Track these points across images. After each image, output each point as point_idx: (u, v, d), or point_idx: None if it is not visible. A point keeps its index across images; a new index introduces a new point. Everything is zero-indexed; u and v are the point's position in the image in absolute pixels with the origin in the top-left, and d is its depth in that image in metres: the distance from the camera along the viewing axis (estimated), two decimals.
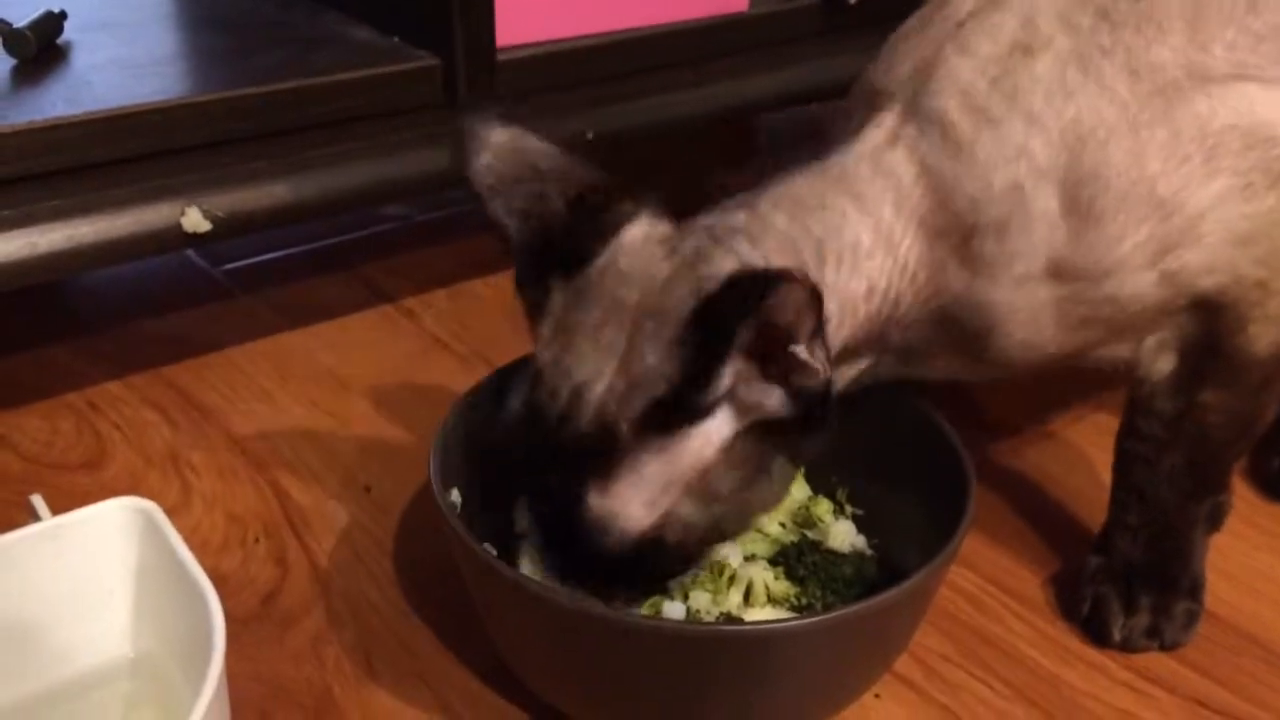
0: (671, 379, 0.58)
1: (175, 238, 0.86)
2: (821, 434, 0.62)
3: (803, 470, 0.80)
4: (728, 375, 0.58)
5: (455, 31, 0.97)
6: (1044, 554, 0.84)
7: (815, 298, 0.55)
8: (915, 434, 0.74)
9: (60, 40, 0.98)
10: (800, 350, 0.57)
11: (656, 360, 0.59)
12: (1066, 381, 1.01)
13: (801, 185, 0.65)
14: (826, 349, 0.59)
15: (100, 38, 1.00)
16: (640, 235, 0.64)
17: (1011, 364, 0.70)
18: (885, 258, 0.65)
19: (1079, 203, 0.63)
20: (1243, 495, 0.88)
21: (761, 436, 0.61)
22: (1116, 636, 0.75)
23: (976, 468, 0.69)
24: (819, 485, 0.80)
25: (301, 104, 0.92)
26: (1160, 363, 0.70)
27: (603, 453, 0.60)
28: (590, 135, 1.03)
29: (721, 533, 0.65)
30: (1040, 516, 0.88)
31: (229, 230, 0.87)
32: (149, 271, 1.17)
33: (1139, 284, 0.65)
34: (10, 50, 0.92)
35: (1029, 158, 0.63)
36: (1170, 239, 0.64)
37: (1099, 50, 0.64)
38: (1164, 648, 0.76)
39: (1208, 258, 0.65)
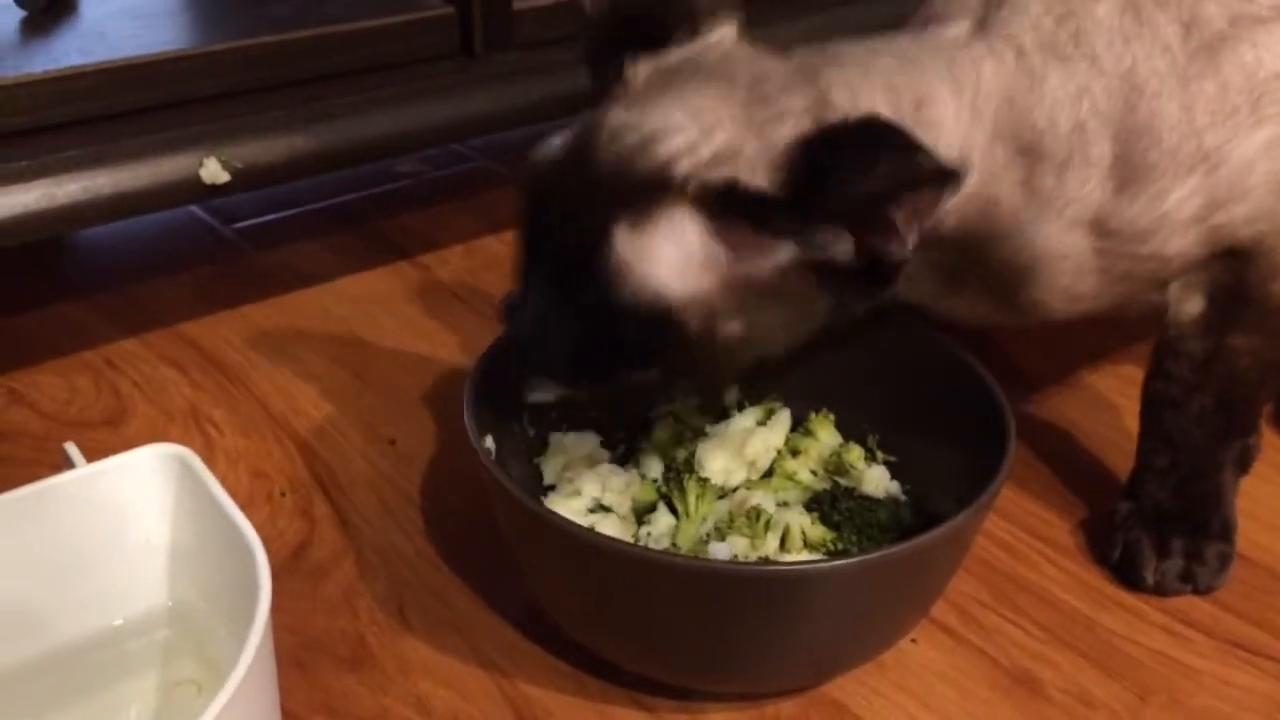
0: (771, 184, 0.56)
1: (194, 189, 0.84)
2: (876, 297, 0.60)
3: (833, 417, 0.79)
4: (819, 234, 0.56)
5: None
6: (1074, 501, 0.84)
7: (954, 184, 0.54)
8: (948, 379, 0.73)
9: None
10: (898, 215, 0.55)
11: (756, 152, 0.57)
12: (1091, 331, 1.00)
13: (899, 45, 0.64)
14: (921, 232, 0.56)
15: None
16: (733, 33, 0.63)
17: (1048, 314, 0.69)
18: (964, 138, 0.62)
19: (1131, 154, 0.63)
20: (1268, 440, 0.88)
21: (815, 273, 0.58)
22: (1150, 581, 0.75)
23: None
24: (850, 432, 0.79)
25: (318, 53, 0.91)
26: (1188, 304, 0.70)
27: (651, 198, 0.57)
28: None
29: (729, 357, 0.61)
30: (1069, 464, 0.87)
31: (248, 182, 0.86)
32: (161, 230, 1.15)
33: (1182, 242, 0.65)
34: (20, 2, 0.91)
35: (1091, 99, 0.62)
36: (1218, 192, 0.64)
37: (1153, 1, 0.64)
38: (1198, 591, 0.76)
39: (1252, 209, 0.65)
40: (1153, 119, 0.62)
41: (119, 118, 0.84)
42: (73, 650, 0.62)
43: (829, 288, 0.59)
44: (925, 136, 0.59)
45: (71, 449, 0.63)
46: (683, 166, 0.57)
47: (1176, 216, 0.64)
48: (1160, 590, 0.75)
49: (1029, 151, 0.63)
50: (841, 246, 0.57)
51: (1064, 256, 0.65)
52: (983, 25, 0.65)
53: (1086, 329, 1.00)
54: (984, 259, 0.66)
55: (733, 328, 0.59)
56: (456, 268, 1.11)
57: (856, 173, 0.53)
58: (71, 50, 0.85)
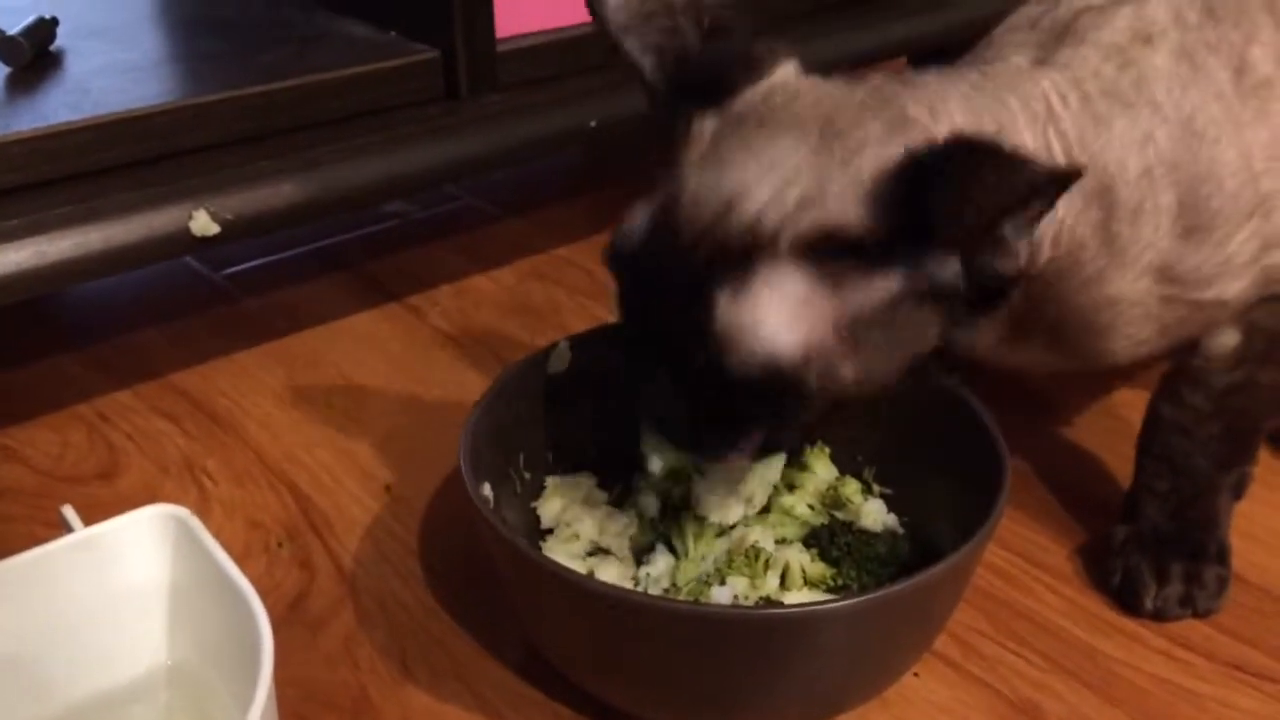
0: (865, 218, 0.55)
1: (185, 241, 0.84)
2: (985, 317, 0.59)
3: (828, 451, 0.80)
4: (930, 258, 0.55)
5: (455, 24, 0.96)
6: (1071, 525, 0.84)
7: (1061, 183, 0.52)
8: (942, 411, 0.74)
9: (53, 47, 0.96)
10: (1009, 231, 0.55)
11: (843, 190, 0.56)
12: None
13: (965, 75, 0.64)
14: (1034, 240, 0.56)
15: (93, 43, 0.98)
16: (795, 73, 0.62)
17: (1106, 361, 0.69)
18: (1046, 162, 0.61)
19: (1195, 201, 0.63)
20: (1263, 460, 0.88)
21: (924, 301, 0.57)
22: (1150, 606, 0.75)
23: None
24: (845, 465, 0.80)
25: (305, 102, 0.92)
26: (1224, 339, 0.70)
27: (746, 259, 0.56)
28: (594, 124, 1.02)
29: (850, 394, 0.60)
30: (1065, 489, 0.88)
31: (239, 232, 0.86)
32: (152, 280, 1.15)
33: (1239, 285, 0.65)
34: (4, 58, 0.91)
35: (1156, 146, 0.62)
36: (1269, 234, 0.64)
37: (1205, 46, 0.64)
38: (1197, 615, 0.76)
39: None
40: (1214, 165, 0.63)
41: (108, 172, 0.84)
42: (74, 714, 0.62)
43: (939, 312, 0.58)
44: None
45: (69, 512, 0.63)
46: (770, 221, 0.56)
47: (1237, 260, 0.64)
48: (1160, 616, 0.76)
49: (1104, 194, 0.62)
50: (951, 269, 0.56)
51: (1134, 304, 0.65)
52: (1043, 63, 0.65)
53: None
54: (1059, 307, 0.66)
55: (849, 370, 0.58)
56: (447, 308, 1.11)
57: (965, 195, 0.52)
58: (59, 106, 0.85)
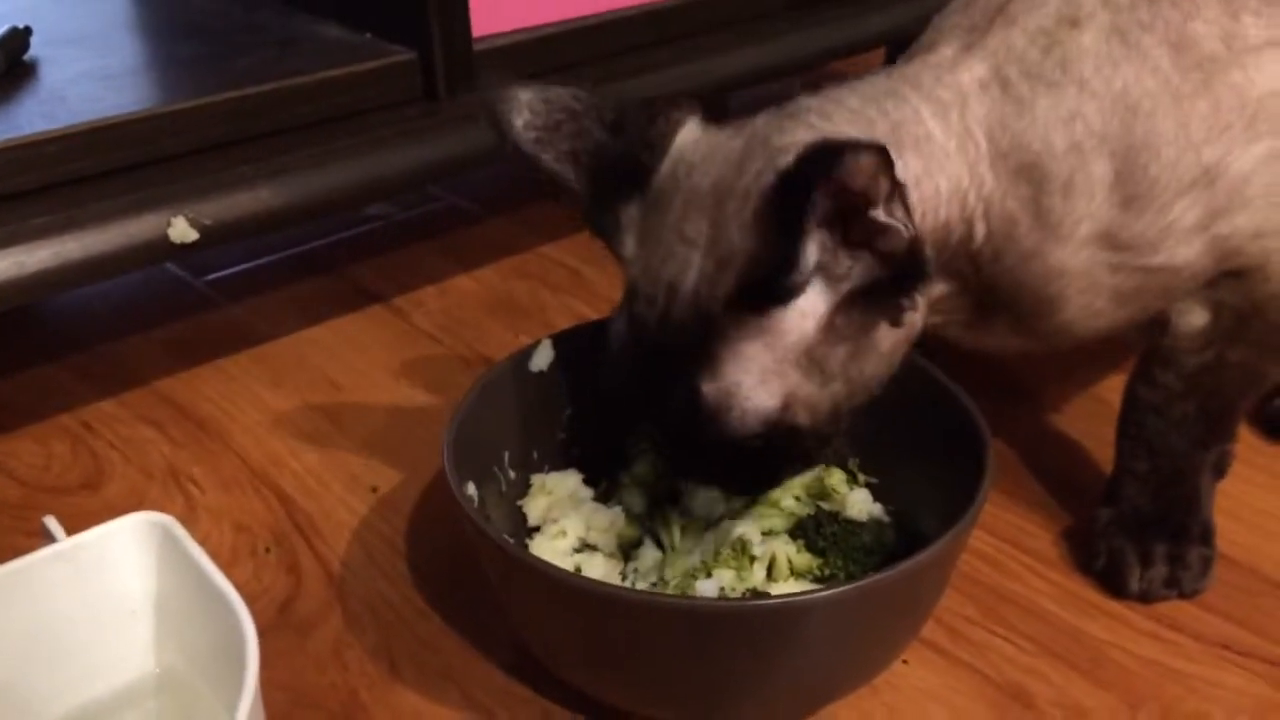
0: (757, 256, 0.58)
1: (163, 249, 0.84)
2: (916, 292, 0.61)
3: None
4: (811, 250, 0.57)
5: (431, 24, 0.96)
6: (1056, 510, 0.85)
7: (885, 160, 0.54)
8: (924, 398, 0.74)
9: (28, 56, 0.96)
10: (879, 214, 0.56)
11: (741, 238, 0.59)
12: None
13: (871, 81, 0.66)
14: (907, 208, 0.57)
15: (68, 51, 0.98)
16: (697, 132, 0.65)
17: (1066, 337, 0.70)
18: (961, 164, 0.64)
19: (1133, 170, 0.64)
20: (1244, 438, 0.89)
21: (858, 305, 0.60)
22: (1135, 588, 0.76)
23: None
24: (830, 456, 0.79)
25: (281, 106, 0.91)
26: (1191, 317, 0.70)
27: (703, 340, 0.60)
28: None
29: (846, 409, 0.65)
30: (1049, 473, 0.88)
31: (217, 238, 0.86)
32: (134, 287, 1.15)
33: (1189, 251, 0.66)
34: None
35: (1084, 120, 0.64)
36: (1217, 203, 0.65)
37: (1138, 25, 0.65)
38: (1183, 595, 0.76)
39: (1256, 221, 0.66)
40: (1150, 136, 0.64)
41: (85, 181, 0.84)
42: None
43: (874, 309, 0.61)
44: (912, 155, 0.63)
45: (51, 522, 0.63)
46: (705, 294, 0.60)
47: (1180, 225, 0.65)
48: (1146, 597, 0.76)
49: (1030, 171, 0.64)
50: (858, 267, 0.59)
51: (1081, 273, 0.66)
52: (968, 49, 0.67)
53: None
54: (1010, 286, 0.67)
55: (828, 395, 0.63)
56: (430, 309, 1.11)
57: (801, 199, 0.55)
58: (34, 116, 0.85)
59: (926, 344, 0.70)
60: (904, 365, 0.75)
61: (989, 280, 0.67)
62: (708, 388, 0.61)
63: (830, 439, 0.66)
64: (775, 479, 0.69)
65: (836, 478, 0.78)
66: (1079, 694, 0.70)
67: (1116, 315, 0.69)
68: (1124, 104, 0.64)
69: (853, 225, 0.57)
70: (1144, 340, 0.74)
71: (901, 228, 0.57)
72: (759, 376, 0.61)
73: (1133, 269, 0.66)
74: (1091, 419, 0.93)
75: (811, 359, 0.61)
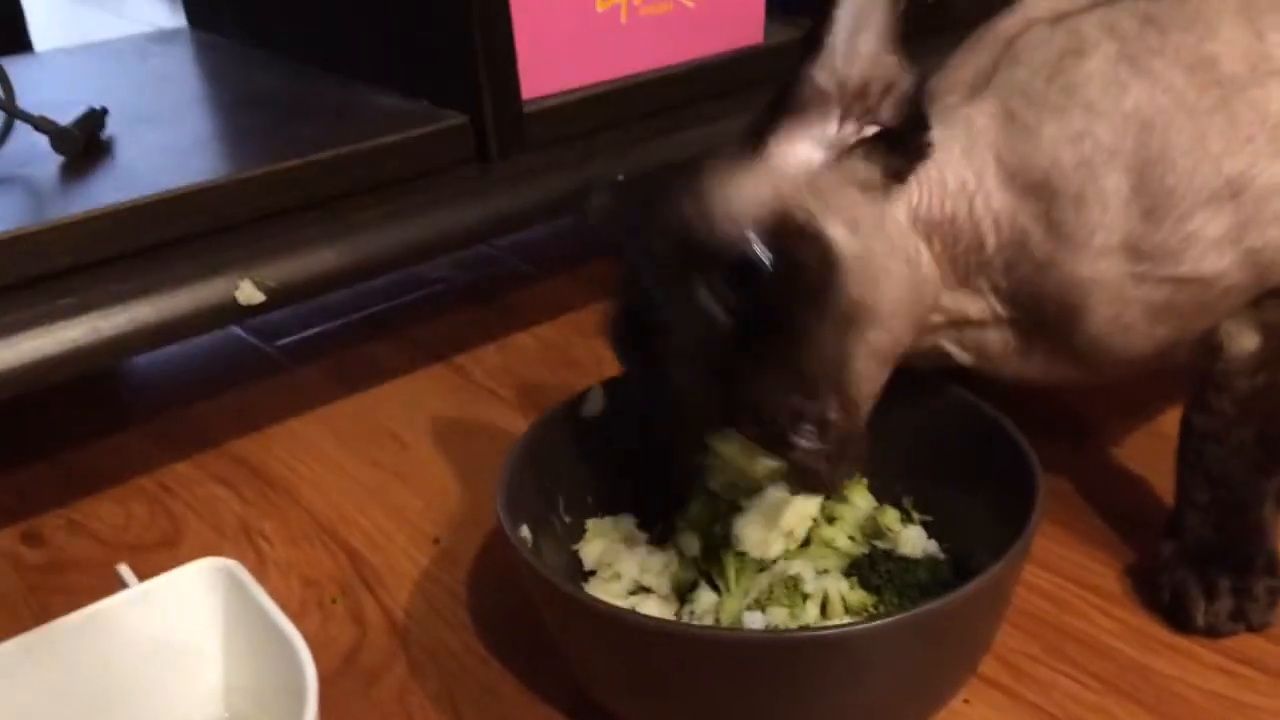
0: (760, 114, 0.63)
1: (232, 310, 0.87)
2: (925, 139, 0.64)
3: (865, 481, 0.80)
4: (808, 92, 0.61)
5: (482, 90, 0.99)
6: (1118, 547, 0.83)
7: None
8: (977, 434, 0.74)
9: (104, 135, 1.01)
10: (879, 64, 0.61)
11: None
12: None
13: None
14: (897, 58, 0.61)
15: (141, 129, 1.03)
16: None
17: (1108, 358, 0.70)
18: (966, 169, 0.66)
19: (1149, 182, 0.65)
20: None
21: (860, 163, 0.63)
22: (1201, 622, 0.74)
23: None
24: (884, 495, 0.80)
25: (340, 171, 0.95)
26: (1242, 340, 0.70)
27: (690, 180, 0.62)
28: (621, 177, 1.04)
29: (867, 275, 0.62)
30: (1110, 510, 0.87)
31: (283, 299, 0.89)
32: (207, 355, 1.19)
33: (1219, 263, 0.66)
34: (58, 148, 0.95)
35: (1093, 138, 0.65)
36: (1245, 215, 0.65)
37: (1148, 50, 0.66)
38: (1251, 628, 0.75)
39: None
40: (1165, 149, 0.65)
41: (157, 249, 0.88)
42: None
43: (883, 169, 0.64)
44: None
45: (124, 570, 0.65)
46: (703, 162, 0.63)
47: (1205, 236, 0.65)
48: (1213, 631, 0.74)
49: (1039, 188, 0.65)
50: (861, 129, 0.63)
51: (1102, 283, 0.67)
52: (973, 97, 0.69)
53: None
54: (1031, 299, 0.68)
55: (838, 228, 0.61)
56: (491, 365, 1.13)
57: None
58: (109, 189, 0.89)
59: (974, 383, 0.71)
60: (952, 401, 0.76)
61: (1011, 296, 0.68)
62: (690, 207, 0.61)
63: (862, 319, 0.62)
64: (795, 389, 0.61)
65: (890, 516, 0.78)
66: None
67: (1155, 333, 0.69)
68: (1136, 120, 0.65)
69: (853, 103, 0.61)
70: (1198, 368, 0.74)
71: (906, 73, 0.61)
72: (745, 190, 0.62)
73: (1159, 280, 0.66)
74: (1153, 454, 0.92)
75: (811, 187, 0.62)
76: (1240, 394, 0.71)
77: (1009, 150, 0.66)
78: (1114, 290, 0.67)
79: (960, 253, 0.67)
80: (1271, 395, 0.70)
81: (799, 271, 0.60)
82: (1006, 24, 0.73)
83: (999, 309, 0.70)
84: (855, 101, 0.62)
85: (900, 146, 0.63)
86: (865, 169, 0.64)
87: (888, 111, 0.63)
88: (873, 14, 0.60)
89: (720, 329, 0.60)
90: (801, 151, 0.63)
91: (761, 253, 0.59)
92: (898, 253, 0.65)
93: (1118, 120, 0.65)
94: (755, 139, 0.63)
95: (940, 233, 0.67)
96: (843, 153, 0.63)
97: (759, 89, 1.15)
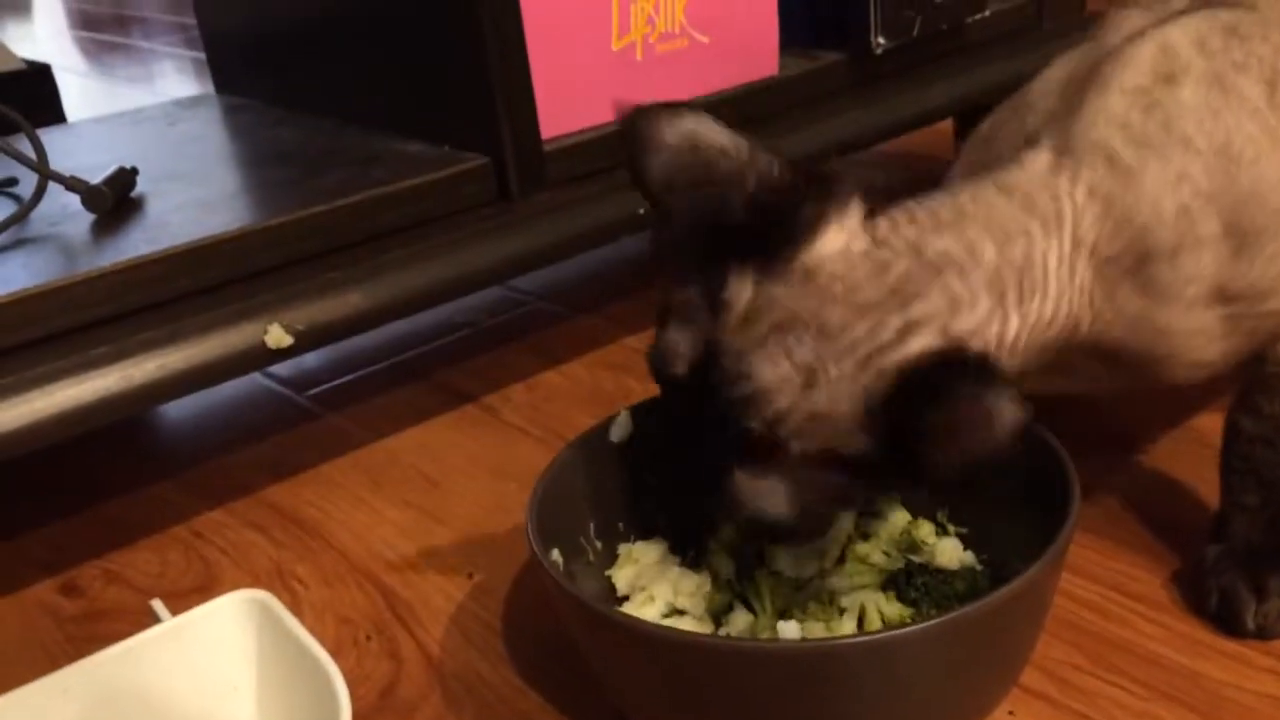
0: (863, 445, 0.58)
1: (261, 355, 0.89)
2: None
3: (898, 495, 0.79)
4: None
5: (502, 130, 1.01)
6: (1161, 554, 0.82)
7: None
8: None
9: (134, 194, 1.03)
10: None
11: (850, 411, 0.58)
12: (1162, 389, 1.00)
13: (995, 204, 0.63)
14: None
15: (171, 186, 1.05)
16: (840, 244, 0.60)
17: (1169, 380, 0.70)
18: (1069, 282, 0.63)
19: (1240, 223, 0.63)
20: None
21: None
22: (1251, 625, 0.73)
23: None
24: (918, 508, 0.79)
25: (366, 216, 0.96)
26: None
27: (765, 452, 0.59)
28: (642, 211, 1.05)
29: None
30: (1151, 518, 0.86)
31: (311, 342, 0.90)
32: (239, 407, 1.20)
33: None
34: (90, 206, 0.97)
35: (1191, 182, 0.63)
36: None
37: (1234, 67, 0.65)
38: None
39: None
40: (1256, 184, 0.63)
41: (186, 298, 0.89)
42: None
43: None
44: (1035, 298, 0.62)
45: (158, 605, 0.66)
46: (787, 429, 0.59)
47: None
48: (1264, 634, 0.73)
49: (1135, 244, 0.63)
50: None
51: (1194, 332, 0.66)
52: (1066, 141, 0.65)
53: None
54: (1114, 347, 0.67)
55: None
56: (519, 404, 1.14)
57: (940, 446, 0.55)
58: (139, 242, 0.90)
59: None
60: None
61: (1090, 350, 0.67)
62: (742, 481, 0.61)
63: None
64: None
65: (925, 529, 0.77)
66: None
67: (1226, 359, 0.68)
68: (1227, 156, 0.63)
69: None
70: (1242, 373, 0.73)
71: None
72: (789, 499, 0.61)
73: (1247, 316, 0.66)
74: (1191, 461, 0.90)
75: (841, 495, 0.63)
76: None
77: (1108, 215, 0.63)
78: (1205, 335, 0.66)
79: (1057, 345, 0.65)
80: None
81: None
82: (1094, 47, 0.71)
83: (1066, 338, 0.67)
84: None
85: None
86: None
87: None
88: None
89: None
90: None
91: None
92: None
93: (1211, 158, 0.63)
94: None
95: (1042, 354, 0.64)
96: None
97: (776, 120, 1.17)
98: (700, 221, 0.60)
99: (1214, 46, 0.66)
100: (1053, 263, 0.63)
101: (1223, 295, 0.64)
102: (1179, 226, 0.63)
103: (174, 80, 2.80)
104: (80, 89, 2.72)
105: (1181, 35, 0.67)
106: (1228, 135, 0.63)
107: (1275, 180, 0.63)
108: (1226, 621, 0.74)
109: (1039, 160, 0.65)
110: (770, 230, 0.60)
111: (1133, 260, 0.63)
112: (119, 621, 0.88)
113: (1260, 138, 0.64)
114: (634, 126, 0.60)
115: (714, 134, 0.60)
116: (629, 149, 0.61)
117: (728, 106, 1.14)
